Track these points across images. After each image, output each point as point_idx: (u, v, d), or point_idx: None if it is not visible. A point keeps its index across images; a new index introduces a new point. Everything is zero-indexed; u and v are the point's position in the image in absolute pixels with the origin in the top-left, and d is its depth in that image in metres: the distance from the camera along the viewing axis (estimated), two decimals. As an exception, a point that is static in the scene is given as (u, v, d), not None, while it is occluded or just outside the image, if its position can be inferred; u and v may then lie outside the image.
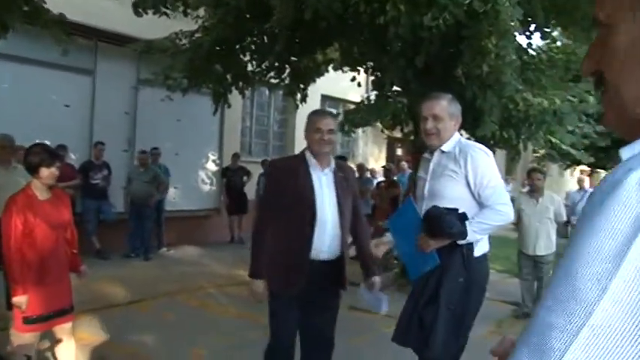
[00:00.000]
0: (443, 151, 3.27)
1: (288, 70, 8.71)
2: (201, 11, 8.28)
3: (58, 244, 3.83)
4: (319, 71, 8.89)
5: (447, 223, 3.04)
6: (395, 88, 8.12)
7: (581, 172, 15.76)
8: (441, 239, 3.10)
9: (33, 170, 3.78)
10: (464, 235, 3.04)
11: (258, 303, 3.52)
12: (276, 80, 9.05)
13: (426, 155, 3.42)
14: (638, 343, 0.57)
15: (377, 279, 3.70)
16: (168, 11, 7.56)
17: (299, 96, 9.12)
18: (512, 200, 3.63)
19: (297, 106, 9.24)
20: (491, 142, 8.08)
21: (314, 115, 3.53)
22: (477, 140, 8.68)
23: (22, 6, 5.80)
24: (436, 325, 3.09)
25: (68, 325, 3.95)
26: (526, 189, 20.68)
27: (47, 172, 3.76)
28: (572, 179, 18.71)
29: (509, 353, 0.84)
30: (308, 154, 3.47)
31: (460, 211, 3.09)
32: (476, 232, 3.07)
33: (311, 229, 3.31)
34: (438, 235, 3.10)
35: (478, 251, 3.20)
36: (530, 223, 6.83)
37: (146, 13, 7.34)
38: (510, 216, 3.17)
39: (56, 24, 6.08)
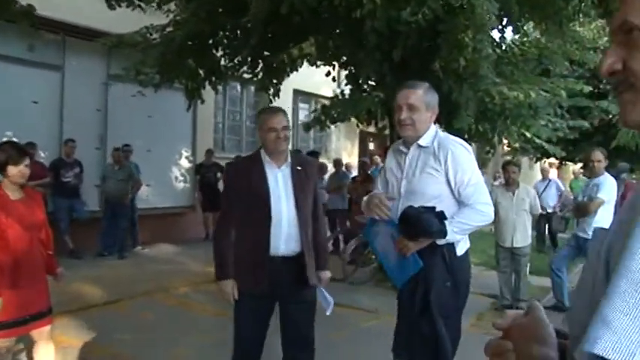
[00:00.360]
0: (420, 146, 3.09)
1: (261, 65, 8.63)
2: (172, 5, 8.16)
3: (32, 245, 3.68)
4: (294, 66, 8.82)
5: (426, 222, 2.88)
6: (370, 82, 8.11)
7: (550, 164, 16.00)
8: (420, 241, 2.95)
9: (1, 169, 3.65)
10: (443, 233, 2.91)
11: (229, 303, 3.47)
12: (249, 75, 8.97)
13: (401, 148, 3.21)
14: None
15: (323, 274, 3.63)
16: (142, 4, 7.41)
17: (272, 91, 9.04)
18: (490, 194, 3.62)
19: (270, 102, 9.16)
20: (466, 136, 8.14)
21: (265, 114, 3.51)
22: (453, 134, 8.79)
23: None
24: (439, 338, 2.96)
25: (46, 329, 3.80)
26: (498, 181, 20.99)
27: (15, 171, 3.61)
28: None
29: (515, 326, 0.91)
30: (263, 153, 3.46)
31: (437, 210, 2.94)
32: (456, 233, 2.95)
33: (267, 226, 3.30)
34: (417, 236, 2.94)
35: (460, 250, 3.10)
36: (507, 216, 6.87)
37: (119, 6, 7.19)
38: (491, 216, 3.06)
39: (24, 16, 5.84)
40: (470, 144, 9.75)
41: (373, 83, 8.09)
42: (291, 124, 13.42)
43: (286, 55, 8.46)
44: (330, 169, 12.50)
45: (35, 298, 3.67)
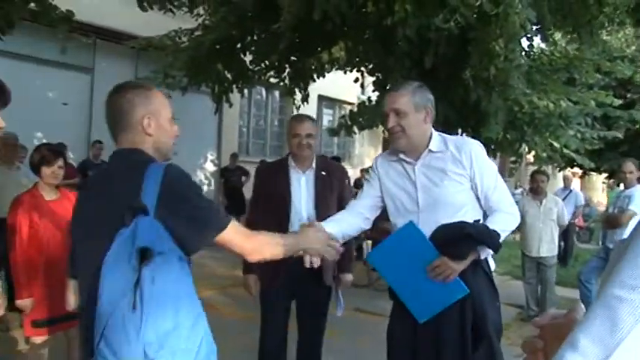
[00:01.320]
0: (432, 151, 2.73)
1: (287, 70, 8.66)
2: (201, 9, 8.23)
3: (65, 246, 3.63)
4: (321, 71, 8.84)
5: (481, 238, 2.55)
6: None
7: (573, 173, 15.81)
8: (464, 260, 2.58)
9: (35, 170, 3.72)
10: (497, 237, 2.56)
11: (252, 297, 3.74)
12: (276, 80, 9.01)
13: (402, 157, 2.78)
14: None
15: (345, 277, 3.74)
16: (173, 8, 7.49)
17: (299, 96, 9.07)
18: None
19: (297, 107, 9.19)
20: (492, 146, 8.09)
21: (293, 121, 3.65)
22: (481, 144, 8.70)
23: (29, 2, 5.73)
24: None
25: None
26: (519, 190, 20.72)
27: (49, 171, 3.68)
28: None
29: (550, 326, 0.92)
30: (290, 158, 3.64)
31: (476, 220, 2.64)
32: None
33: (286, 227, 3.42)
34: (465, 255, 2.58)
35: (492, 262, 2.82)
36: (534, 225, 6.82)
37: (151, 8, 7.26)
38: (519, 217, 2.79)
39: (63, 21, 5.99)
40: (496, 154, 9.70)
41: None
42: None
43: (315, 60, 8.47)
44: (354, 174, 12.52)
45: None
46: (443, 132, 2.83)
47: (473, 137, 7.98)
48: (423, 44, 6.05)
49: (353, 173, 12.57)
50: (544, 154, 8.43)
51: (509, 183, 21.67)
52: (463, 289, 2.59)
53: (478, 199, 2.70)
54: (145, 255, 1.71)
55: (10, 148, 5.41)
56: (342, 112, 13.23)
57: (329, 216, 3.38)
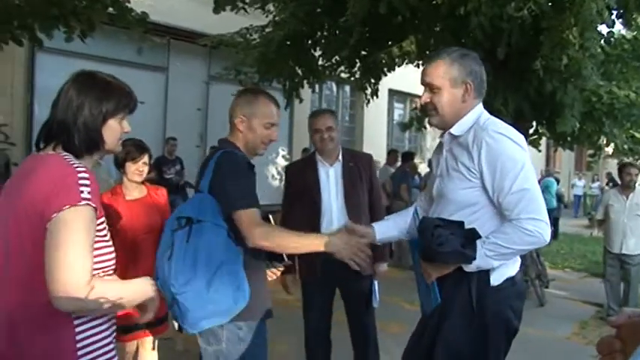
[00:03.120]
0: (453, 135, 2.35)
1: (358, 65, 8.65)
2: (271, 6, 8.32)
3: (149, 247, 3.24)
4: (392, 65, 8.78)
5: (435, 239, 2.13)
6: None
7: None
8: (441, 265, 2.23)
9: (120, 166, 3.54)
10: (466, 258, 2.14)
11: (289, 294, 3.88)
12: (347, 75, 9.02)
13: (441, 138, 2.50)
14: None
15: (379, 267, 3.79)
16: (246, 7, 7.62)
17: (370, 91, 9.05)
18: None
19: (368, 101, 9.17)
20: (569, 138, 7.82)
21: (311, 117, 3.75)
22: (557, 137, 8.45)
23: (108, 6, 5.96)
24: None
25: (163, 334, 3.70)
26: (597, 184, 19.96)
27: (133, 168, 3.50)
28: None
29: (628, 325, 0.88)
30: (316, 153, 3.74)
31: (467, 223, 2.20)
32: (490, 257, 2.16)
33: (318, 220, 3.54)
34: (431, 258, 2.23)
35: (498, 278, 2.26)
36: (618, 220, 6.56)
37: (224, 10, 7.42)
38: (544, 237, 2.14)
39: (139, 23, 6.24)
40: (573, 147, 9.34)
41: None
42: (385, 123, 13.46)
43: (386, 54, 8.42)
44: (425, 168, 12.37)
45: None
46: (513, 125, 2.38)
47: (548, 131, 7.79)
48: (495, 34, 5.91)
49: (425, 168, 12.42)
50: (625, 146, 8.06)
51: (587, 177, 20.87)
52: (435, 297, 2.27)
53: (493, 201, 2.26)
54: (186, 222, 2.28)
55: None
56: (413, 106, 13.09)
57: (359, 207, 3.54)
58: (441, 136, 2.48)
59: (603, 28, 7.39)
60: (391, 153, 11.27)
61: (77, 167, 1.65)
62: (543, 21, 5.65)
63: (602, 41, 6.97)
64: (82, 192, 1.59)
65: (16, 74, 8.26)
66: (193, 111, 10.66)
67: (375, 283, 3.78)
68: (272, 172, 12.23)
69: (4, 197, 1.73)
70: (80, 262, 1.56)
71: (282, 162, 12.29)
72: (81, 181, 1.61)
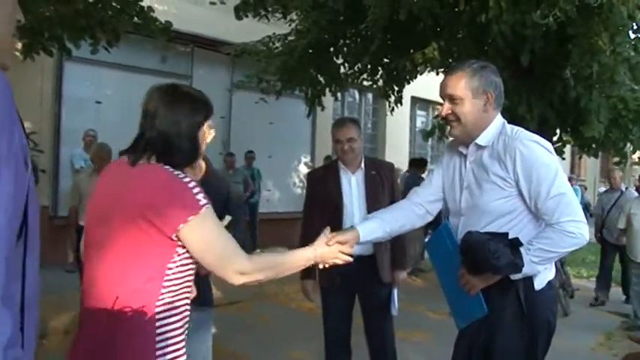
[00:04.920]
0: (479, 146, 2.38)
1: (381, 72, 8.65)
2: (294, 15, 8.36)
3: None
4: (415, 72, 8.75)
5: (492, 254, 2.17)
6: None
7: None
8: (488, 276, 2.29)
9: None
10: (517, 267, 2.20)
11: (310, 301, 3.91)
12: (369, 82, 9.02)
13: (460, 149, 2.50)
14: None
15: (399, 274, 3.77)
16: (267, 15, 7.67)
17: (393, 98, 9.03)
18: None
19: (392, 109, 9.15)
20: (593, 145, 7.71)
21: (334, 127, 3.76)
22: (582, 144, 8.31)
23: (133, 16, 6.03)
24: None
25: None
26: (606, 188, 19.72)
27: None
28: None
29: None
30: (339, 162, 3.75)
31: (510, 233, 2.27)
32: (536, 263, 2.23)
33: (339, 226, 3.41)
34: (481, 271, 2.28)
35: (540, 282, 2.36)
36: (640, 229, 6.45)
37: (246, 16, 7.48)
38: (585, 237, 2.23)
39: (162, 31, 6.31)
40: (598, 154, 9.20)
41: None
42: (408, 131, 13.36)
43: (408, 62, 8.40)
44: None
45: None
46: (538, 133, 2.46)
47: (573, 138, 7.69)
48: (518, 41, 5.87)
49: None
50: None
51: (605, 183, 20.55)
52: (482, 308, 2.31)
53: (529, 207, 2.31)
54: None
55: (104, 159, 5.20)
56: (436, 114, 13.03)
57: None
58: (449, 147, 2.60)
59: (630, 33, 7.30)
60: (413, 162, 11.20)
61: (186, 180, 1.79)
62: (570, 27, 5.59)
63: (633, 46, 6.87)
64: (199, 200, 1.75)
65: (45, 83, 8.38)
66: (216, 118, 10.70)
67: (395, 291, 3.78)
68: (294, 180, 12.26)
69: (99, 199, 1.87)
70: (232, 246, 1.85)
71: (304, 169, 12.31)
72: (195, 190, 1.76)
